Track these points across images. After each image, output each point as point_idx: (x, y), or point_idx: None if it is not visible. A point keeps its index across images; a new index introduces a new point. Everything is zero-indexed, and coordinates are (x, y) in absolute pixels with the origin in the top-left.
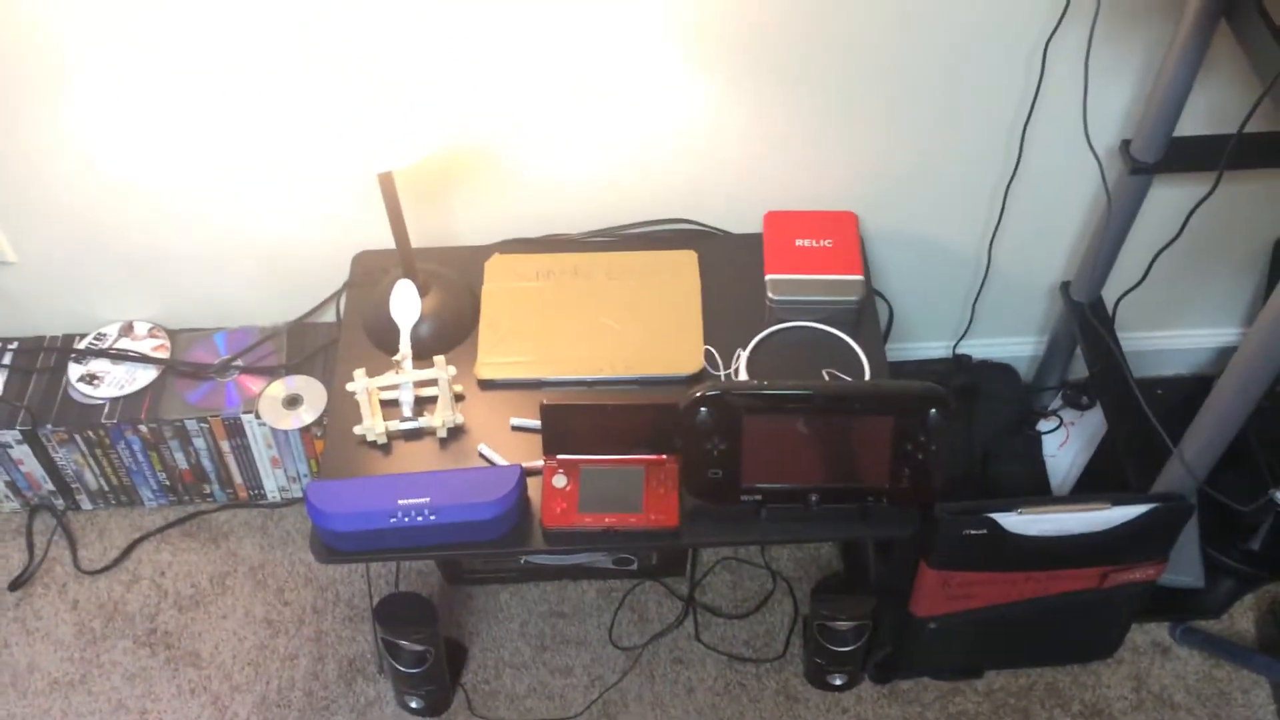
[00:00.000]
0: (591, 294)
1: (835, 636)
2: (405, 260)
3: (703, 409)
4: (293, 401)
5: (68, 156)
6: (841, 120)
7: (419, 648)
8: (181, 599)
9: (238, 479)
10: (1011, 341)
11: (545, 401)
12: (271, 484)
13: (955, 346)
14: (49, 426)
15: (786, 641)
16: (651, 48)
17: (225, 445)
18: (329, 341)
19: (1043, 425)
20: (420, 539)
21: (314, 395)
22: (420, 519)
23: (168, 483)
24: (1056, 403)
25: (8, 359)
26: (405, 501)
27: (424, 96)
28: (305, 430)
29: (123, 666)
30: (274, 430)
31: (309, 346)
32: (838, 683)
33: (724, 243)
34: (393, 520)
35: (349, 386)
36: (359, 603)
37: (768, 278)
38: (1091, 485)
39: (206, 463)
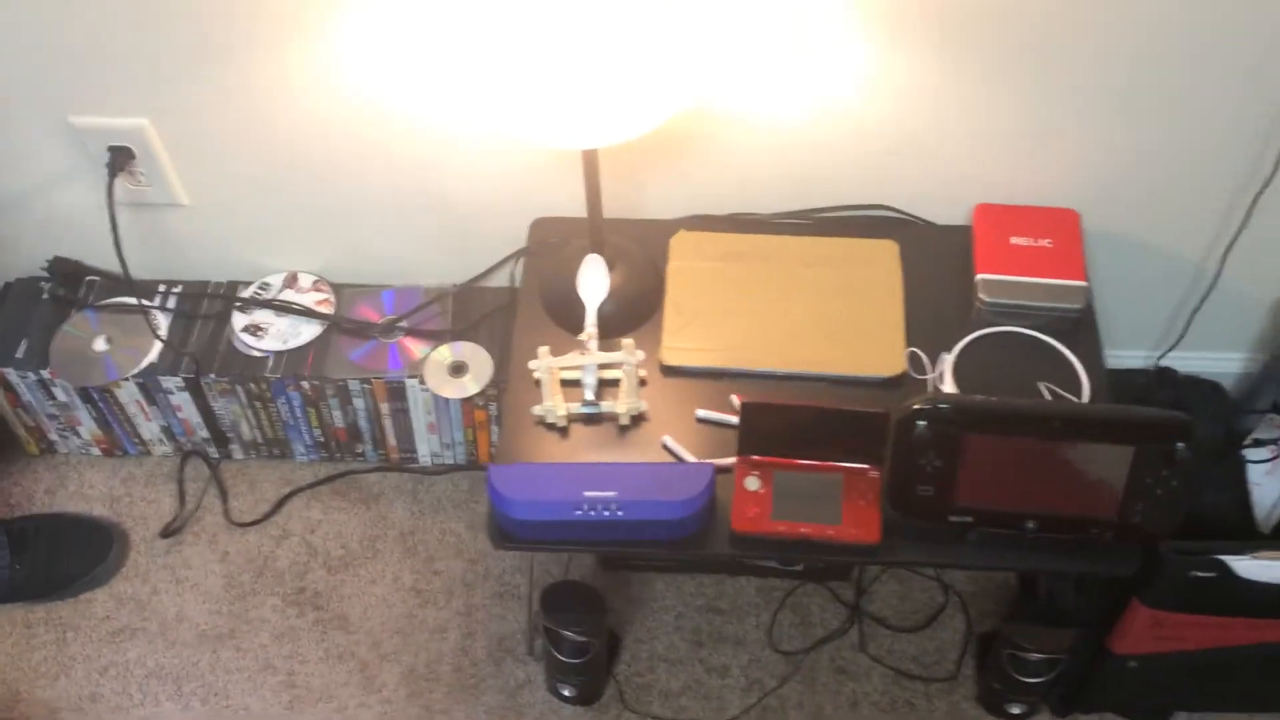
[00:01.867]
0: (784, 280)
1: (1025, 667)
2: (595, 234)
3: (922, 422)
4: (458, 369)
5: (249, 101)
6: (1072, 108)
7: (582, 639)
8: (331, 559)
9: (391, 440)
10: (1220, 357)
11: (746, 399)
12: (425, 448)
13: (1160, 359)
14: (212, 376)
15: (959, 662)
16: (862, 19)
17: (384, 407)
18: (496, 308)
19: (1252, 451)
20: (603, 533)
21: (480, 364)
22: (606, 513)
23: (321, 439)
24: (1271, 430)
25: (172, 303)
26: (591, 494)
27: (641, 72)
28: (468, 399)
29: (271, 624)
30: (435, 396)
31: (475, 312)
32: (1015, 711)
33: (926, 234)
34: (577, 513)
35: (531, 365)
36: (509, 579)
37: (979, 277)
38: None
39: (363, 423)
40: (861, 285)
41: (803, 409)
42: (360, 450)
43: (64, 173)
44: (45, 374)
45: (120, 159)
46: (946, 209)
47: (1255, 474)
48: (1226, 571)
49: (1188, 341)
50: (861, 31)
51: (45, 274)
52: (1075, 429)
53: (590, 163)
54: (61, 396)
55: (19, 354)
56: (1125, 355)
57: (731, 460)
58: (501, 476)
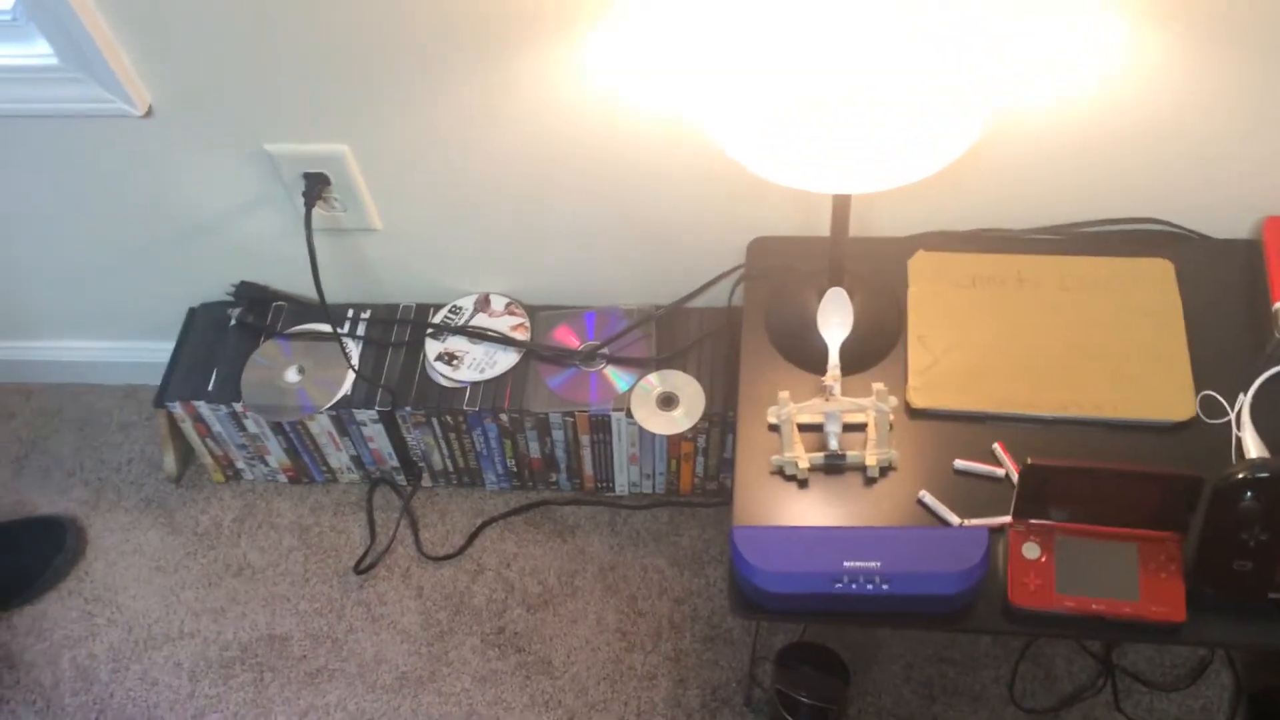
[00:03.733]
0: (1042, 307)
1: None
2: (836, 266)
3: (1250, 492)
4: (667, 401)
5: (446, 125)
6: None
7: (820, 704)
8: (529, 596)
9: (588, 470)
10: None
11: (1031, 462)
12: (623, 479)
13: None
14: (408, 409)
15: None
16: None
17: (585, 439)
18: (706, 333)
19: None
20: (862, 606)
21: (691, 395)
22: (870, 587)
23: (514, 469)
24: None
25: (362, 329)
26: (852, 565)
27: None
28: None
29: (472, 666)
30: (642, 430)
31: (682, 336)
32: None
33: (1203, 250)
34: (837, 586)
35: (770, 413)
36: (719, 621)
37: (1279, 306)
38: None
39: (560, 453)
40: (1133, 312)
41: (1099, 471)
42: (554, 480)
43: (256, 199)
44: (237, 407)
45: (316, 186)
46: (1226, 221)
47: None
48: None
49: None
50: (1129, 16)
51: (231, 299)
52: None
53: (841, 209)
54: (252, 428)
55: (211, 386)
56: None
57: (1003, 520)
58: (749, 541)
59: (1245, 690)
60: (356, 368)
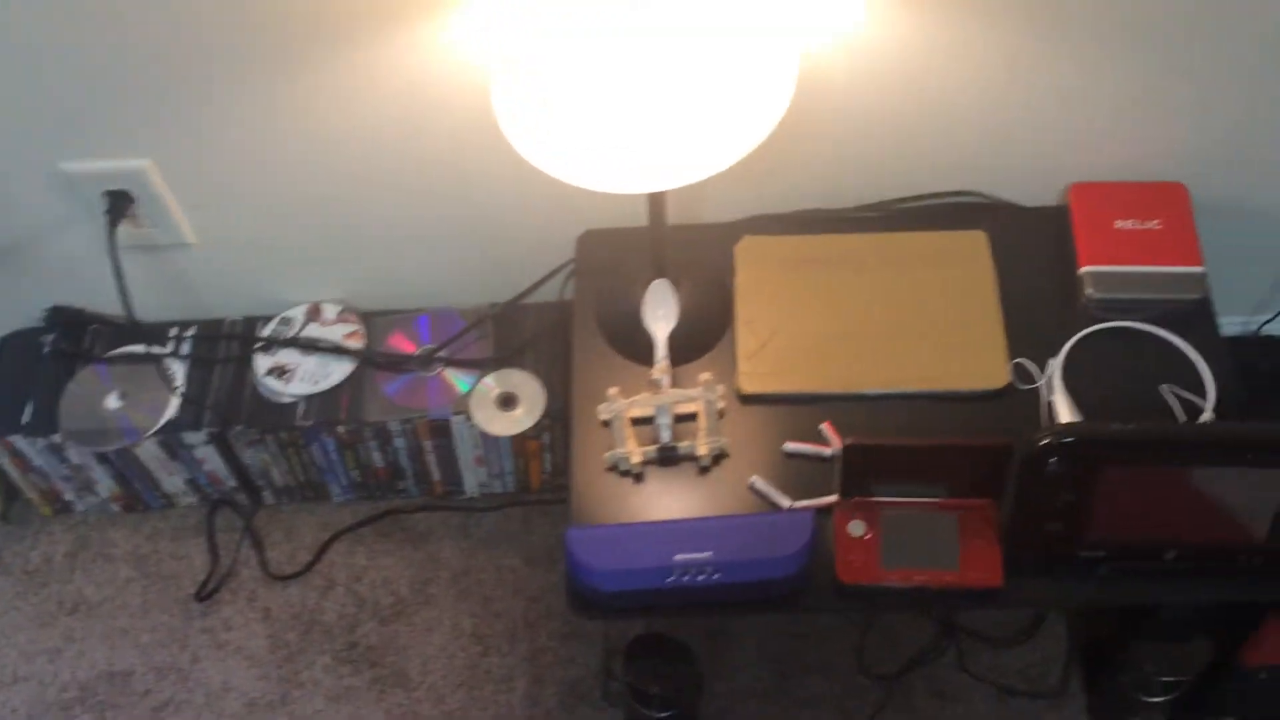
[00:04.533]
0: (865, 285)
1: (1150, 687)
2: (659, 260)
3: (1052, 458)
4: (507, 401)
5: (257, 129)
6: (1176, 72)
7: (671, 693)
8: (382, 608)
9: (435, 475)
10: None
11: (847, 441)
12: (471, 480)
13: (1264, 326)
14: (239, 428)
15: (1065, 675)
16: None
17: (427, 445)
18: (543, 329)
19: None
20: (697, 597)
21: (531, 394)
22: (701, 577)
23: (360, 479)
24: None
25: (186, 347)
26: (684, 557)
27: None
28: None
29: (325, 686)
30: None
31: (519, 335)
32: None
33: (1016, 219)
34: (670, 580)
35: (600, 410)
36: (573, 617)
37: (1085, 270)
38: None
39: (404, 461)
40: (951, 285)
41: (914, 447)
42: (402, 487)
43: (59, 221)
44: (56, 439)
45: (119, 204)
46: (1036, 189)
47: None
48: None
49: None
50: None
51: (43, 325)
52: (1226, 455)
53: (658, 206)
54: (75, 458)
55: (25, 419)
56: (1221, 321)
57: (831, 500)
58: (582, 542)
59: (1081, 642)
60: (181, 389)
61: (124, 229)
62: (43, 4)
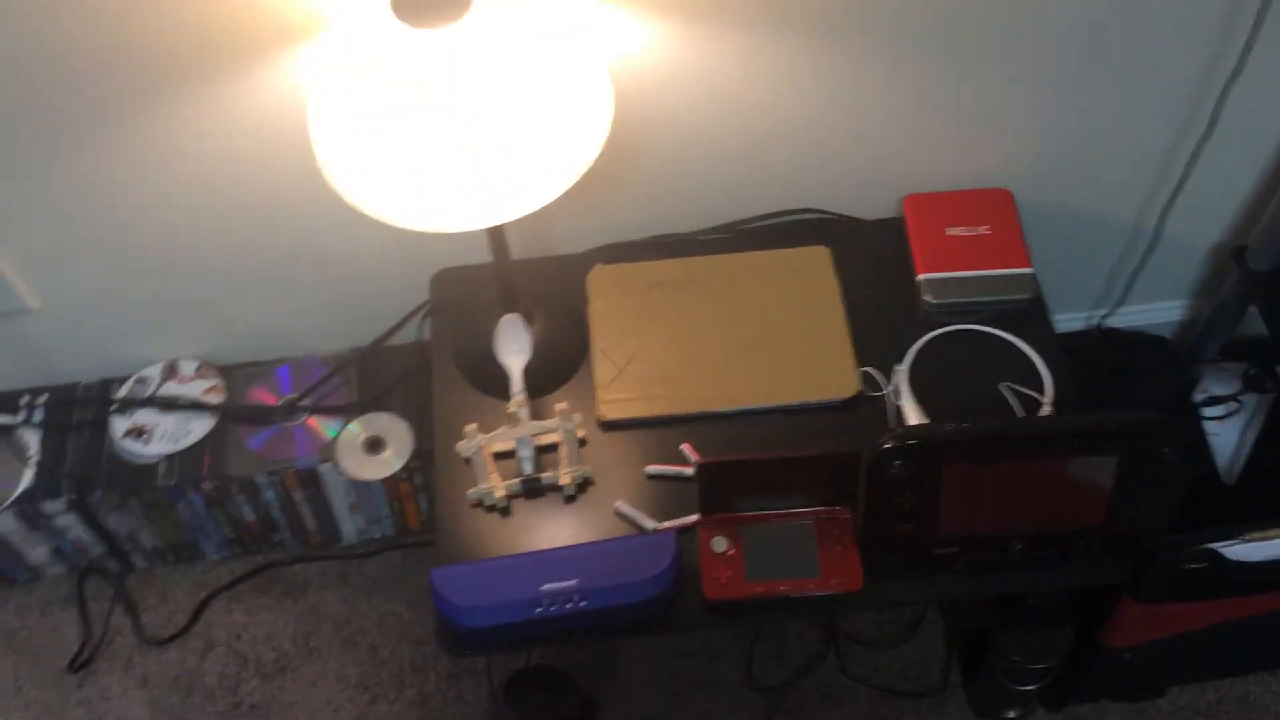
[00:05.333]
0: (714, 306)
1: (1020, 675)
2: (508, 295)
3: (896, 461)
4: (374, 444)
5: (92, 186)
6: (994, 84)
7: None
8: (264, 665)
9: (310, 526)
10: (1161, 307)
11: (701, 460)
12: (349, 528)
13: (1104, 319)
14: (99, 493)
15: (946, 671)
16: (750, 6)
17: (298, 495)
18: (405, 371)
19: (1209, 409)
20: (568, 625)
21: (398, 436)
22: (569, 605)
23: (232, 535)
24: (1231, 384)
25: (39, 415)
26: (550, 587)
27: (548, 135)
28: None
29: None
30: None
31: (383, 378)
32: (1012, 716)
33: (856, 232)
34: (538, 610)
35: (460, 448)
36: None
37: (921, 278)
38: (1266, 467)
39: (276, 513)
40: (798, 299)
41: (765, 461)
42: (277, 539)
43: None
44: None
45: None
46: (874, 202)
47: (1211, 424)
48: (1217, 559)
49: (1127, 296)
50: (755, 22)
51: None
52: (1056, 446)
53: (498, 239)
54: None
55: None
56: (1065, 319)
57: (694, 519)
58: (446, 581)
59: (955, 635)
60: (35, 457)
61: None
62: None
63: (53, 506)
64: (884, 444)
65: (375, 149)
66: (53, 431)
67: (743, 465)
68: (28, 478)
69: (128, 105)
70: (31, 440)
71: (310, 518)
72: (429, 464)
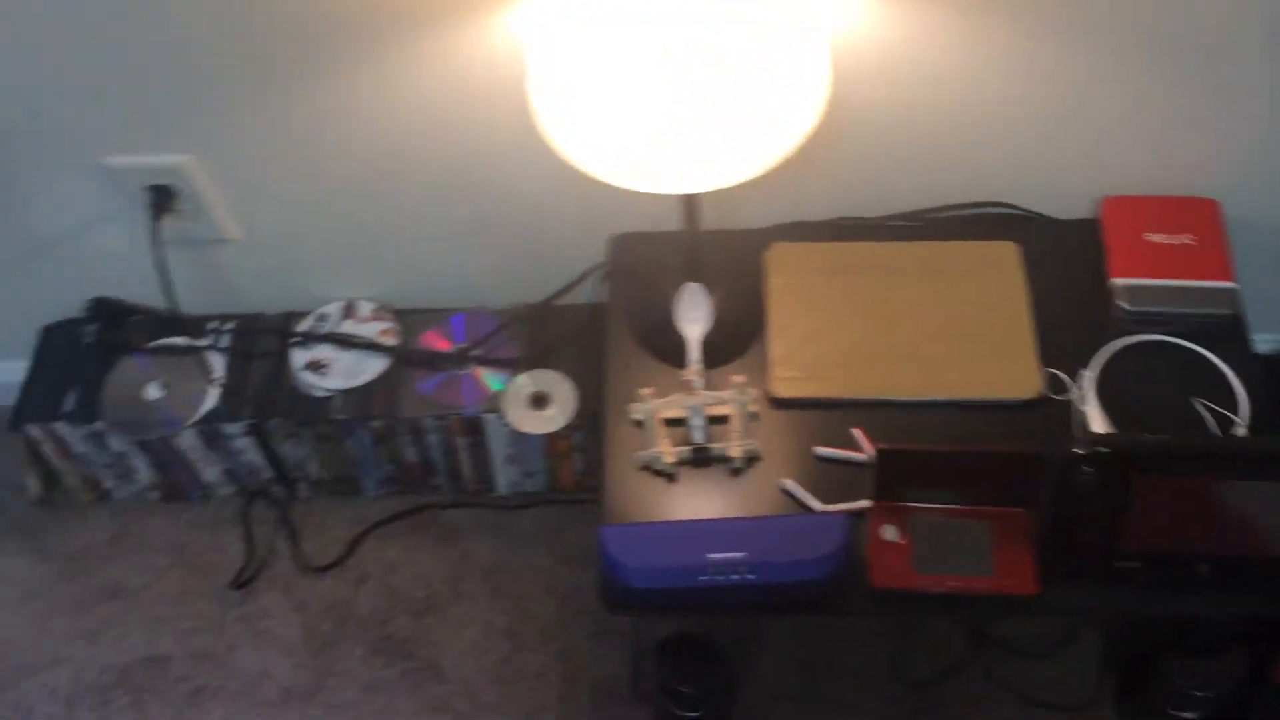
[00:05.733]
0: (896, 293)
1: (1183, 702)
2: (692, 263)
3: (1086, 468)
4: (539, 400)
5: (300, 127)
6: (1208, 87)
7: (702, 694)
8: (414, 603)
9: (467, 473)
10: None
11: (881, 446)
12: (504, 479)
13: None
14: (276, 421)
15: (1099, 686)
16: None
17: (460, 442)
18: (575, 330)
19: None
20: (729, 597)
21: (563, 394)
22: (735, 577)
23: (393, 474)
24: None
25: (225, 340)
26: (717, 557)
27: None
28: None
29: (359, 677)
30: (516, 431)
31: (552, 335)
32: None
33: (1047, 231)
34: (702, 579)
35: (633, 410)
36: (606, 616)
37: (1117, 282)
38: None
39: (437, 457)
40: (983, 295)
41: (947, 453)
42: (434, 483)
43: (102, 214)
44: (98, 427)
45: (161, 198)
46: (1068, 201)
47: None
48: None
49: None
50: (978, 7)
51: (85, 316)
52: (1257, 466)
53: (691, 207)
54: (116, 446)
55: (66, 407)
56: (1265, 339)
57: (863, 505)
58: (616, 539)
59: (1112, 656)
60: (221, 380)
61: (167, 223)
62: (92, 1)
63: (232, 429)
64: (1075, 448)
65: (595, 102)
66: (237, 358)
67: (923, 455)
68: (212, 399)
69: (344, 51)
70: (217, 364)
71: (468, 465)
72: (590, 424)
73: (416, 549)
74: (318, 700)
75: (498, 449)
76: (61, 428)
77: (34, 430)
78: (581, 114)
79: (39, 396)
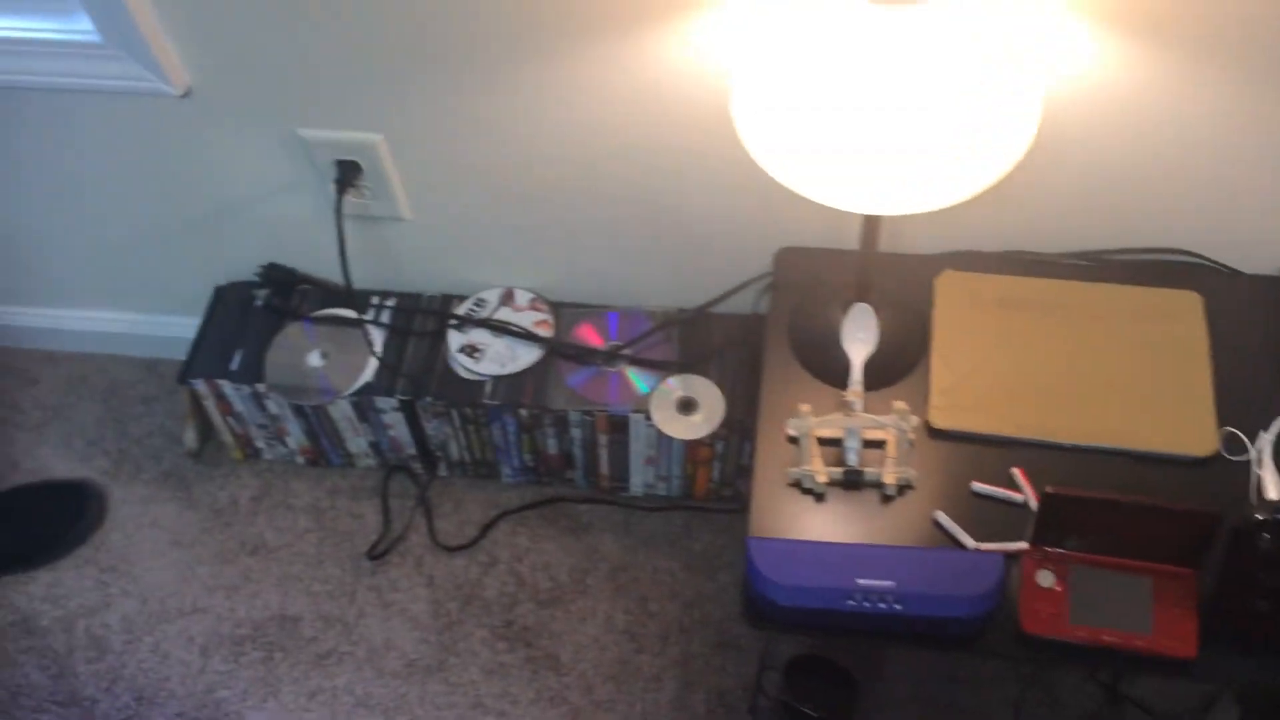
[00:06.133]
0: (1068, 333)
1: None
2: (863, 283)
3: (1267, 535)
4: (687, 405)
5: (481, 119)
6: None
7: (827, 717)
8: (540, 591)
9: (603, 469)
10: None
11: (1051, 488)
12: (638, 479)
13: None
14: (428, 399)
15: None
16: (1157, 33)
17: (603, 439)
18: (728, 340)
19: None
20: (873, 624)
21: (711, 401)
22: (882, 605)
23: (531, 464)
24: None
25: (386, 316)
26: (865, 583)
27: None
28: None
29: (480, 658)
30: (660, 433)
31: (704, 342)
32: None
33: (1233, 285)
34: (849, 604)
35: (790, 426)
36: (729, 628)
37: None
38: None
39: (577, 451)
40: (1161, 344)
41: (1117, 503)
42: (570, 476)
43: (288, 183)
44: (260, 388)
45: (348, 173)
46: (1257, 257)
47: None
48: None
49: None
50: (1195, 52)
51: (258, 280)
52: None
53: (871, 229)
54: (273, 408)
55: (234, 366)
56: None
57: (1019, 546)
58: (764, 552)
59: None
60: (380, 355)
61: (347, 198)
62: None
63: (384, 403)
64: (1256, 514)
65: (798, 117)
66: (396, 334)
67: (1091, 503)
68: (369, 372)
69: (541, 51)
70: (377, 338)
71: (606, 462)
72: (734, 434)
73: (546, 539)
74: (439, 676)
75: (638, 449)
76: (226, 386)
77: (200, 385)
78: (784, 124)
79: (208, 354)
